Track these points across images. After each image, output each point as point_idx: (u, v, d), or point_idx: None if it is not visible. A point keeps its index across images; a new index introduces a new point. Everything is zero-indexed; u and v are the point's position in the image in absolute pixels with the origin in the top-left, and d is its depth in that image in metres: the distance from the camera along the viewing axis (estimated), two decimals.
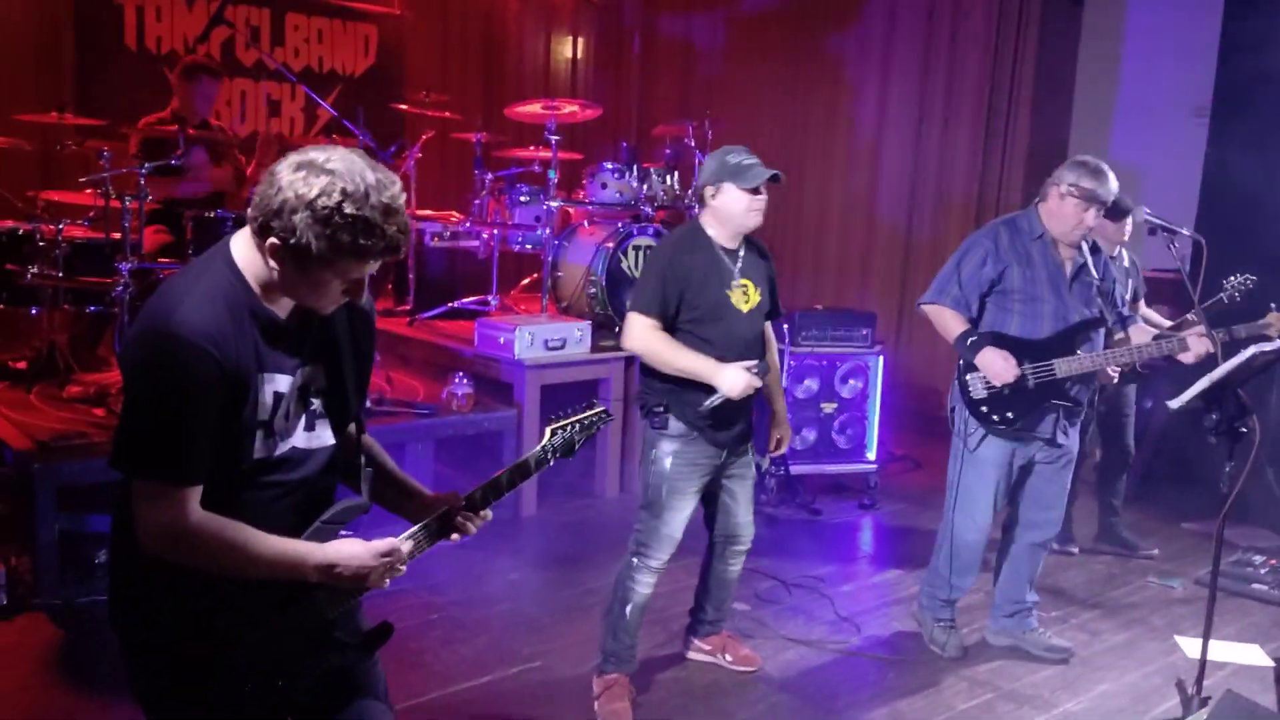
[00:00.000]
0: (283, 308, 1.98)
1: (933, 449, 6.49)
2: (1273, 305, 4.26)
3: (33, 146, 5.93)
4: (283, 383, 2.00)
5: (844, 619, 4.43)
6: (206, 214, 4.97)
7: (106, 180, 4.78)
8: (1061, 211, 3.76)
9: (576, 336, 5.65)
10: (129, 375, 1.91)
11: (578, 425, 2.38)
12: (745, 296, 3.57)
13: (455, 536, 2.20)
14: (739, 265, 3.57)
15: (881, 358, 5.95)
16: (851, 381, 5.91)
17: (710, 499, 3.79)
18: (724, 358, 3.46)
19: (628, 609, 3.64)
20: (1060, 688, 3.95)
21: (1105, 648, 4.31)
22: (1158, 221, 3.76)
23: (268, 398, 1.97)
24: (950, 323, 3.86)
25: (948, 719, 3.71)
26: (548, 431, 2.35)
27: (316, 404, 2.07)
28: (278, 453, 2.01)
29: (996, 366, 3.76)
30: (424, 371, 5.98)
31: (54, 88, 6.70)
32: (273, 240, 1.88)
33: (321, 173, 1.85)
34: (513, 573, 4.80)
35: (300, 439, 2.05)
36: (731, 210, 3.50)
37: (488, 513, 2.23)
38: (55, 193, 5.65)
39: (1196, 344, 3.76)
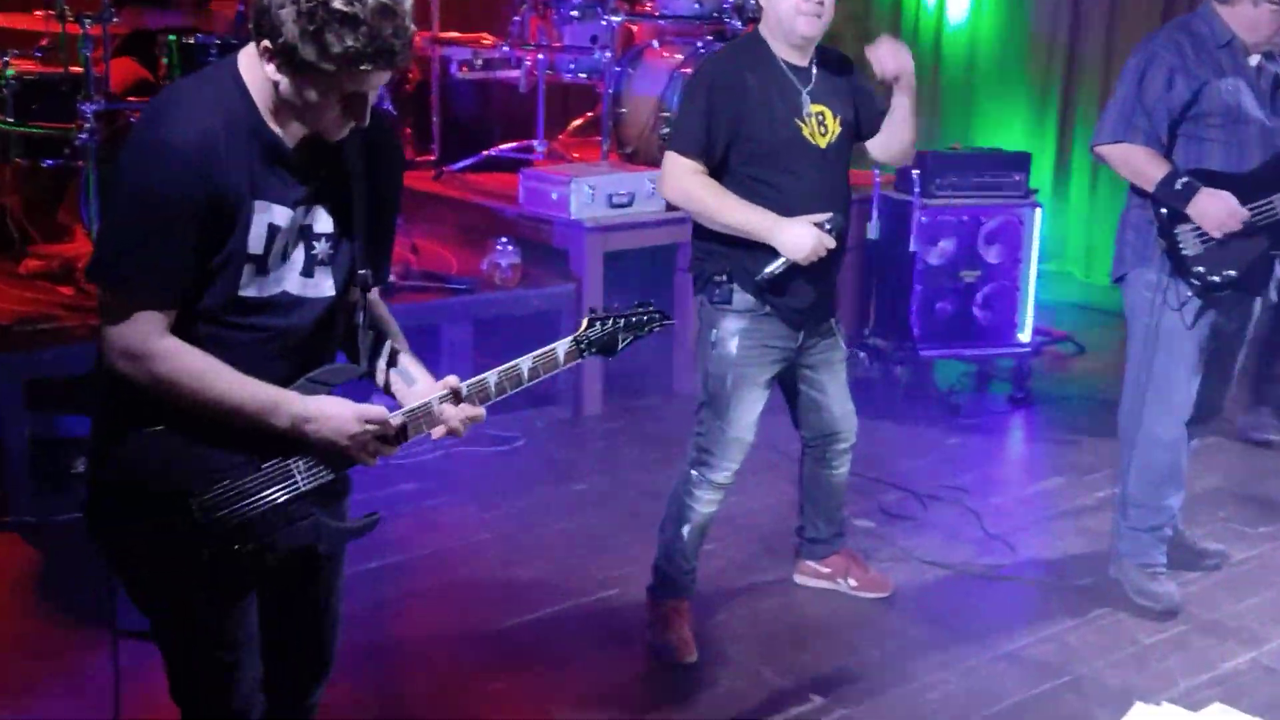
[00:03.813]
0: (291, 135, 2.16)
1: (1102, 328, 6.53)
2: None
3: None
4: (280, 215, 2.17)
5: (993, 537, 4.51)
6: (186, 39, 5.00)
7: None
8: (1257, 20, 3.75)
9: (647, 190, 5.66)
10: (113, 182, 2.16)
11: (622, 320, 2.49)
12: (823, 127, 3.53)
13: (440, 431, 2.31)
14: (810, 86, 3.53)
15: (1038, 211, 5.89)
16: (999, 243, 5.87)
17: (792, 394, 3.84)
18: (797, 209, 3.46)
19: (684, 530, 3.72)
20: (1272, 620, 4.00)
21: None
22: None
23: (261, 229, 2.14)
24: (1145, 165, 3.82)
25: (1130, 655, 3.77)
26: (584, 321, 2.47)
27: (319, 249, 2.25)
28: (267, 293, 2.20)
29: (1217, 212, 3.72)
30: (457, 238, 6.03)
31: None
32: (265, 42, 2.04)
33: None
34: (577, 483, 4.94)
35: (294, 283, 2.23)
36: (778, 9, 3.47)
37: (481, 411, 2.33)
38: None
39: None
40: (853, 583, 4.07)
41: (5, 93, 5.06)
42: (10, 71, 5.09)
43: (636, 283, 5.72)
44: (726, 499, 3.78)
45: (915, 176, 5.69)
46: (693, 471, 3.71)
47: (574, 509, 4.71)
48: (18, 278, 5.11)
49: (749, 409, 3.63)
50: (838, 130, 3.57)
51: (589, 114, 7.08)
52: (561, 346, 2.41)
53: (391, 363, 2.42)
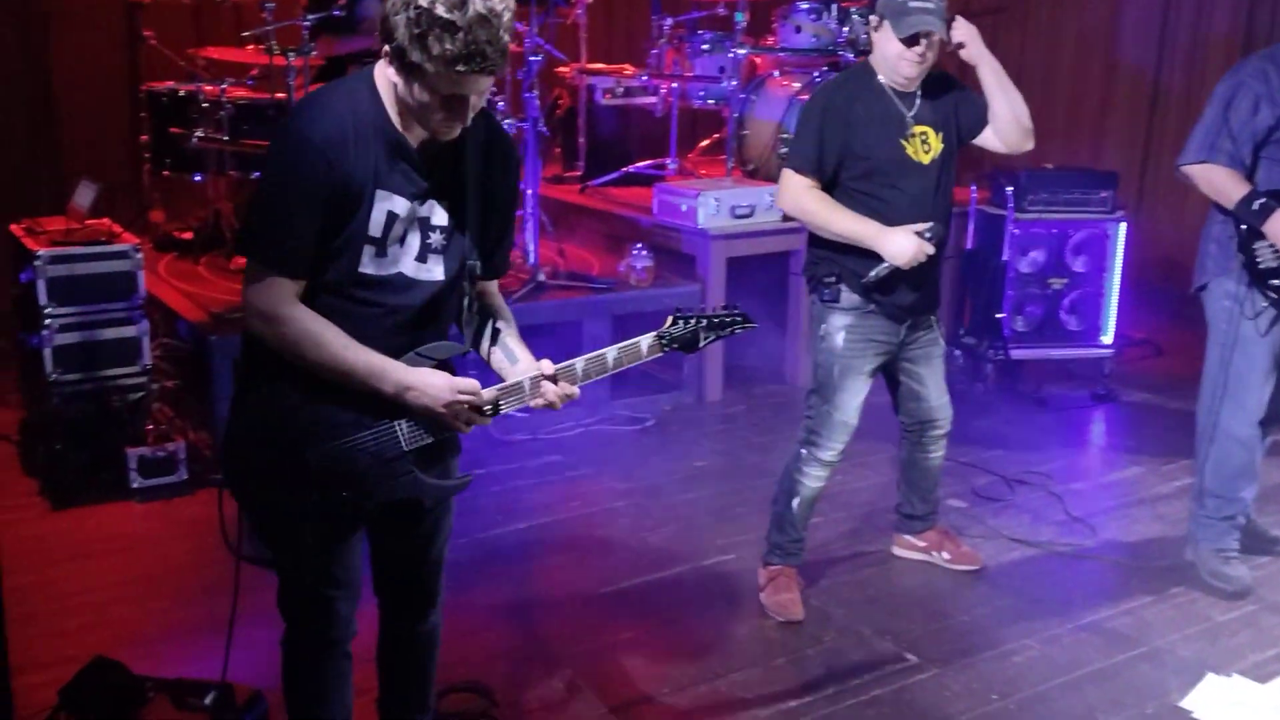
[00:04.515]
0: (415, 136, 2.19)
1: (1178, 333, 6.24)
2: None
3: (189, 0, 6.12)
4: (399, 205, 2.21)
5: (1076, 519, 4.37)
6: (367, 62, 5.02)
7: (271, 35, 4.91)
8: None
9: (766, 203, 5.61)
10: (262, 167, 2.36)
11: (705, 321, 2.40)
12: (925, 145, 3.46)
13: (539, 402, 2.32)
14: (914, 110, 3.45)
15: (1124, 225, 5.68)
16: (1085, 254, 5.69)
17: (893, 383, 3.77)
18: (900, 219, 3.39)
19: (794, 503, 3.69)
20: None
21: None
22: None
23: (380, 214, 2.19)
24: (1226, 184, 3.64)
25: (1203, 630, 3.63)
26: (669, 319, 2.39)
27: (434, 239, 2.27)
28: (384, 272, 2.23)
29: None
30: (599, 243, 6.06)
31: None
32: (386, 46, 2.08)
33: None
34: (699, 460, 4.90)
35: (409, 266, 2.25)
36: (885, 53, 3.39)
37: (575, 390, 2.33)
38: (215, 49, 5.84)
39: None
40: (946, 556, 3.99)
41: (222, 115, 5.19)
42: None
43: (755, 284, 5.66)
44: (832, 477, 3.73)
45: (1009, 193, 5.54)
46: (803, 450, 3.66)
47: (696, 482, 4.68)
48: (229, 272, 5.22)
49: (853, 395, 3.58)
50: (940, 148, 3.49)
51: (716, 135, 7.07)
52: (645, 340, 2.36)
53: (494, 341, 2.42)
